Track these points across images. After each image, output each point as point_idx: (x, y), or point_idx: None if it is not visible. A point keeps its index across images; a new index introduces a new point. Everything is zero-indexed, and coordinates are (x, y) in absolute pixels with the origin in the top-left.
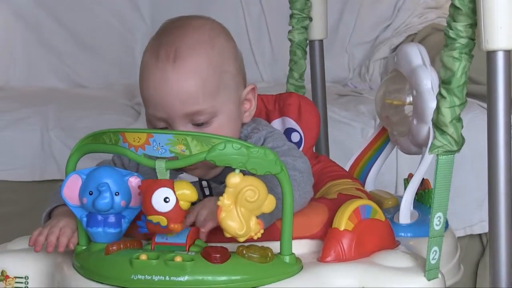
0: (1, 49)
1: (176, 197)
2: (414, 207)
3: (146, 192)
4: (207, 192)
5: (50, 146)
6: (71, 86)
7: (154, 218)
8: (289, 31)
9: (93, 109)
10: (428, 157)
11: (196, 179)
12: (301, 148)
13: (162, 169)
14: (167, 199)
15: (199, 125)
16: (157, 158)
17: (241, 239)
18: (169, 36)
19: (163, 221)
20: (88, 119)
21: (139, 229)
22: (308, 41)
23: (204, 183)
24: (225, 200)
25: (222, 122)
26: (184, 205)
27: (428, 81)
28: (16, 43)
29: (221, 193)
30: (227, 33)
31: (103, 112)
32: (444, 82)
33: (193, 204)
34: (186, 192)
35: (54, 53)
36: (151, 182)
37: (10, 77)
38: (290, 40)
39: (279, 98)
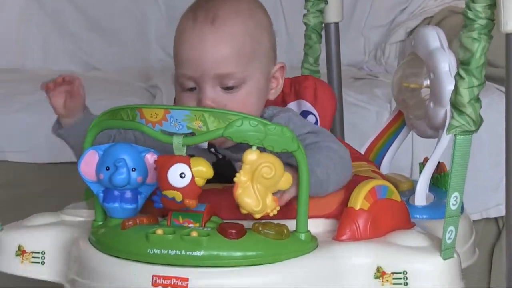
0: (17, 33)
1: (192, 173)
2: (429, 190)
3: (162, 167)
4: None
5: None
6: (86, 69)
7: (169, 193)
8: (304, 15)
9: (108, 92)
10: (445, 140)
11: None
12: None
13: (179, 145)
14: (183, 175)
15: (227, 88)
16: (174, 134)
17: (257, 216)
18: (208, 2)
19: (178, 196)
20: (103, 102)
21: (154, 204)
22: (323, 25)
23: (213, 149)
24: (241, 177)
25: (249, 90)
26: (200, 181)
27: (446, 64)
28: (32, 26)
29: (232, 157)
30: (265, 9)
31: (118, 95)
32: (463, 63)
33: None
34: (202, 169)
35: (70, 37)
36: (167, 157)
37: (26, 60)
38: (305, 23)
39: (295, 81)
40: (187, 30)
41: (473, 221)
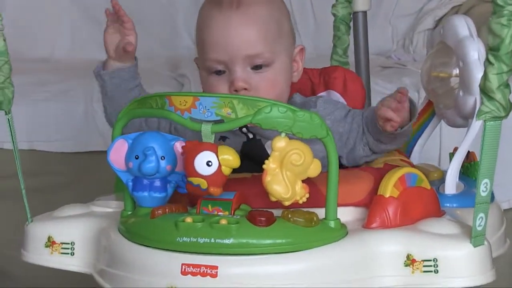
0: (46, 22)
1: (219, 161)
2: (459, 179)
3: (189, 154)
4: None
5: (94, 118)
6: None
7: (194, 180)
8: (333, 5)
9: None
10: (475, 128)
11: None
12: None
13: (208, 132)
14: (210, 163)
15: (257, 67)
16: (203, 121)
17: (287, 203)
18: None
19: (203, 184)
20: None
21: (179, 189)
22: (351, 15)
23: (244, 129)
24: (270, 164)
25: (278, 70)
26: (226, 170)
27: (475, 52)
28: (60, 15)
29: (263, 135)
30: None
31: (146, 83)
32: (492, 49)
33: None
34: (229, 158)
35: (98, 25)
36: (195, 144)
37: (54, 49)
38: (333, 14)
39: (324, 72)
40: (213, 16)
41: (503, 210)
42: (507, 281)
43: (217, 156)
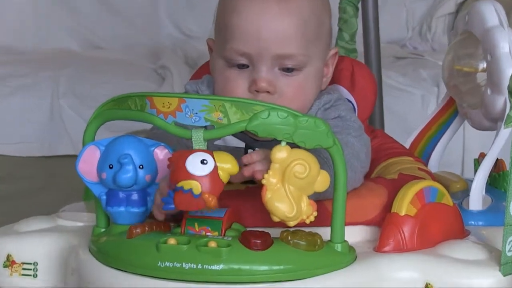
0: (9, 6)
1: (215, 162)
2: (486, 192)
3: (180, 156)
4: None
5: (61, 116)
6: (86, 48)
7: (186, 184)
8: None
9: (111, 73)
10: (504, 133)
11: (242, 144)
12: None
13: (199, 139)
14: (205, 161)
15: (287, 70)
16: (192, 127)
17: (291, 223)
18: None
19: (197, 188)
20: (105, 85)
21: (164, 206)
22: None
23: (250, 151)
24: (270, 178)
25: (309, 75)
26: (224, 176)
27: (506, 43)
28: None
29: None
30: None
31: (123, 77)
32: None
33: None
34: (226, 163)
35: (68, 11)
36: (184, 151)
37: (17, 38)
38: None
39: None
40: None
41: None
42: None
43: (213, 157)
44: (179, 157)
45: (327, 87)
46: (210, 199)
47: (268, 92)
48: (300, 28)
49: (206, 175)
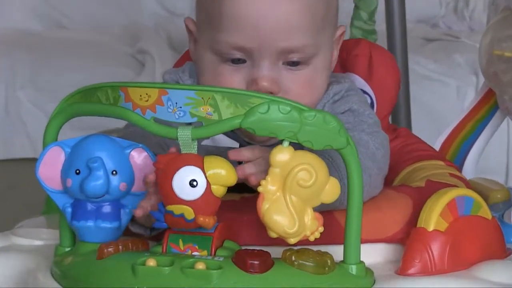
0: None
1: (207, 179)
2: None
3: (165, 172)
4: None
5: (18, 111)
6: (50, 27)
7: (176, 209)
8: None
9: (79, 59)
10: None
11: (236, 144)
12: None
13: (187, 139)
14: (194, 183)
15: (292, 64)
16: (177, 125)
17: (292, 240)
18: None
19: (189, 213)
20: (73, 73)
21: (155, 224)
22: None
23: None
24: (268, 185)
25: (318, 67)
26: (218, 190)
27: None
28: None
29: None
30: None
31: (94, 63)
32: None
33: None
34: (221, 172)
35: None
36: (171, 157)
37: None
38: None
39: (343, 47)
40: None
41: None
42: None
43: (204, 172)
44: (166, 167)
45: (336, 75)
46: (206, 220)
47: (271, 93)
48: (307, 13)
49: (198, 198)
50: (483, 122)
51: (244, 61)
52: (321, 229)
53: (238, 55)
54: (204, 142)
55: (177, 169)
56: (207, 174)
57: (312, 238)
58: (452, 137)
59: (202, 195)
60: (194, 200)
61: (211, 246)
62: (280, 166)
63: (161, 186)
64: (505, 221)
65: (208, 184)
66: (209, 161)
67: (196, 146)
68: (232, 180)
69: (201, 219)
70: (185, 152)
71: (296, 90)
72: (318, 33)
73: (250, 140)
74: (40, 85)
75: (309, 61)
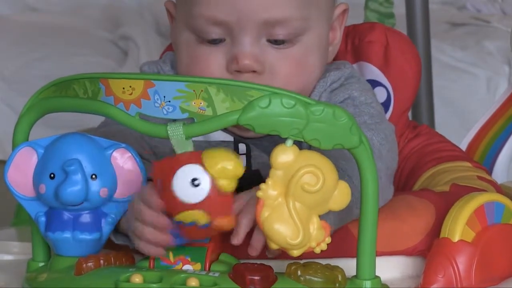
0: None
1: (210, 175)
2: None
3: (162, 179)
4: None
5: None
6: (19, 10)
7: (184, 217)
8: None
9: (53, 46)
10: None
11: (229, 138)
12: (389, 112)
13: (180, 137)
14: (196, 181)
15: (277, 42)
16: (167, 121)
17: (295, 253)
18: None
19: (201, 218)
20: (43, 63)
21: (174, 240)
22: None
23: (242, 147)
24: (269, 190)
25: (310, 43)
26: (226, 185)
27: None
28: None
29: (265, 165)
30: None
31: (69, 51)
32: None
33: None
34: (226, 164)
35: None
36: (166, 162)
37: None
38: None
39: (354, 31)
40: None
41: None
42: None
43: (205, 168)
44: (163, 174)
45: (337, 62)
46: (225, 221)
47: (254, 71)
48: None
49: (205, 199)
50: None
51: (223, 41)
52: (328, 240)
53: (215, 33)
54: (195, 138)
55: (174, 172)
56: (211, 170)
57: (318, 250)
58: (481, 135)
59: (209, 193)
60: (202, 202)
61: (205, 259)
62: (282, 168)
63: (162, 195)
64: None
65: (213, 180)
66: (209, 155)
67: (192, 144)
68: (239, 171)
69: (218, 220)
70: (180, 152)
71: (284, 71)
72: (307, 5)
73: (242, 134)
74: (6, 77)
75: (296, 39)
